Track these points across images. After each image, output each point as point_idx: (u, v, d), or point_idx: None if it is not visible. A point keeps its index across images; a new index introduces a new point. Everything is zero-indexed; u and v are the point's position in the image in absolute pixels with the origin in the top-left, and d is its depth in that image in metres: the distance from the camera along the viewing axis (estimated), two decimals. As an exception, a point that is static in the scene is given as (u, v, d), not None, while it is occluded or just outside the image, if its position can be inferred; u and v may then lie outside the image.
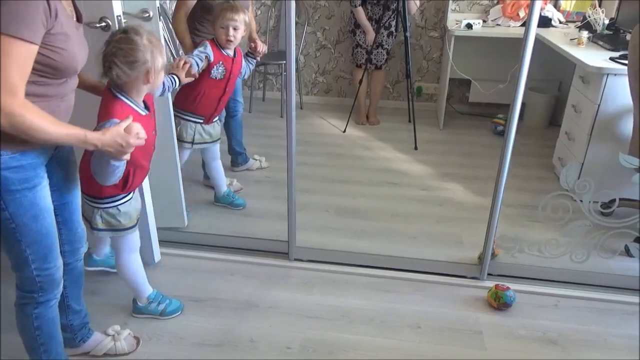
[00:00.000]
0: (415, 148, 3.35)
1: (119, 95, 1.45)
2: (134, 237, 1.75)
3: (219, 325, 1.85)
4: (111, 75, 1.41)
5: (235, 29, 2.17)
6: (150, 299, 1.87)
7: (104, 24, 1.70)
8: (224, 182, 2.60)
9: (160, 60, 1.45)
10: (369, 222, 2.52)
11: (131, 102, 1.47)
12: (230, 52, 2.24)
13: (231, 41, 2.19)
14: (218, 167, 2.55)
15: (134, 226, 1.71)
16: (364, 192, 2.81)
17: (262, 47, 2.37)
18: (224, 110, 2.63)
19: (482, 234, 2.03)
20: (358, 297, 1.99)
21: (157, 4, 1.95)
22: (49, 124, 1.17)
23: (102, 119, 1.40)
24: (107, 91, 1.47)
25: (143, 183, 1.95)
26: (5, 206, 1.23)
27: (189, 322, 1.87)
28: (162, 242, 2.19)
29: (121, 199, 1.63)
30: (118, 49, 1.38)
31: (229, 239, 2.30)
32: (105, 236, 1.68)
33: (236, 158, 2.98)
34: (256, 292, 2.02)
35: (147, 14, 1.91)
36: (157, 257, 2.15)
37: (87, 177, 1.52)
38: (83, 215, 1.68)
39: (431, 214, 2.60)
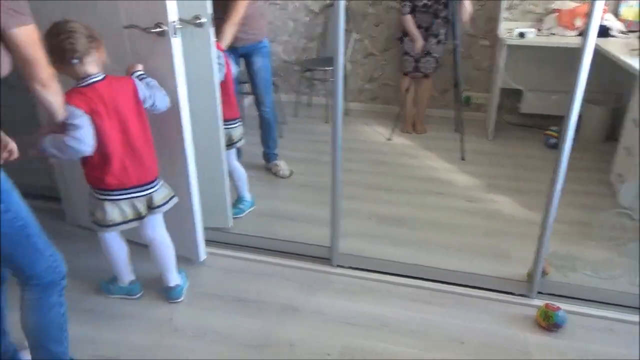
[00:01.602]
0: (463, 158, 3.28)
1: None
2: None
3: (260, 326, 1.87)
4: (91, 59, 1.56)
5: None
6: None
7: (159, 29, 1.73)
8: (242, 184, 2.61)
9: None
10: (413, 232, 2.48)
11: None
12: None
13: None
14: (235, 170, 2.55)
15: None
16: (408, 201, 2.77)
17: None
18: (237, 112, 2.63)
19: (531, 249, 1.96)
20: (400, 307, 1.96)
21: (209, 10, 1.96)
22: None
23: None
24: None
25: (191, 182, 2.00)
26: (7, 208, 1.23)
27: (233, 321, 1.89)
28: (207, 242, 2.23)
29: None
30: (73, 32, 1.51)
31: (272, 242, 2.31)
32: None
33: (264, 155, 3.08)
34: (298, 296, 2.02)
35: (199, 20, 1.93)
36: (203, 255, 2.19)
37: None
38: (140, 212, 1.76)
39: (477, 226, 2.53)
